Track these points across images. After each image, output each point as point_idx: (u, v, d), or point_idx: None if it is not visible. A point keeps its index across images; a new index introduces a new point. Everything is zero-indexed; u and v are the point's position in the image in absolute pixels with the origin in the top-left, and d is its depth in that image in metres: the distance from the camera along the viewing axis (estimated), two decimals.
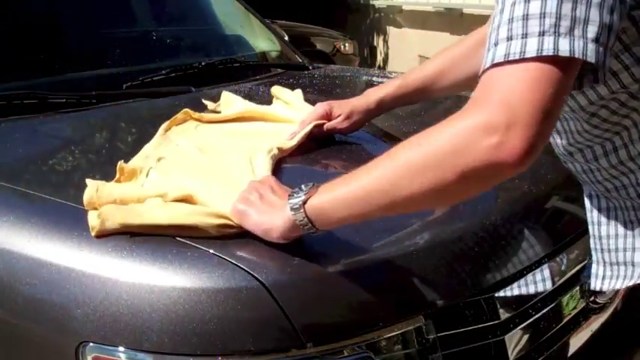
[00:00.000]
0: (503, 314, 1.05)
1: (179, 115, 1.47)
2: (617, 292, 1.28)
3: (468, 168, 0.75)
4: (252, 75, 2.06)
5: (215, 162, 1.24)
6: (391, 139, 1.42)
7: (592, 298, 1.21)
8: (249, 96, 1.86)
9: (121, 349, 0.89)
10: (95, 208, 1.00)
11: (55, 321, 0.93)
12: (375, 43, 8.81)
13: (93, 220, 0.97)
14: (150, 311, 0.88)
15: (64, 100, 1.58)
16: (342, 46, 6.46)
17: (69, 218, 1.04)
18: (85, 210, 1.02)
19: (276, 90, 1.69)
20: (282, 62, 2.32)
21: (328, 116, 1.38)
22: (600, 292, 1.22)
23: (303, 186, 0.91)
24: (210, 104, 1.64)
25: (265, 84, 2.00)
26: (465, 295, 1.01)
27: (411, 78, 1.35)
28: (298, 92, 1.65)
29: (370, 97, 1.38)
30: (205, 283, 0.88)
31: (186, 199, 1.02)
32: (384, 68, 8.40)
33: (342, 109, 1.37)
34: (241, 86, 1.92)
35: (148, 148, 1.29)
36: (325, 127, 1.37)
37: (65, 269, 0.94)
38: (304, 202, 0.88)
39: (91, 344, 0.90)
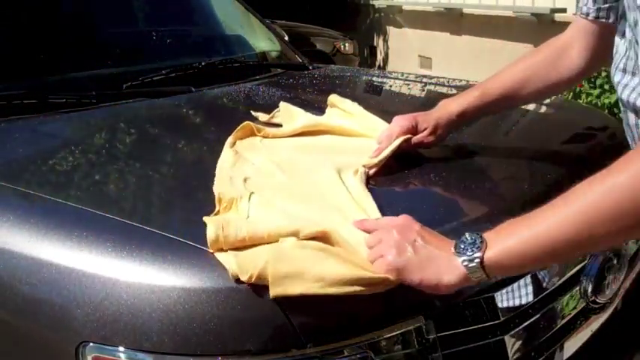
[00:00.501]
0: (503, 314, 1.05)
1: (240, 130, 1.40)
2: (617, 291, 1.28)
3: None
4: (252, 75, 2.06)
5: (305, 183, 1.18)
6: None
7: (592, 298, 1.21)
8: (249, 96, 1.86)
9: (121, 349, 0.89)
10: (221, 249, 0.92)
11: (55, 321, 0.93)
12: (375, 43, 8.81)
13: (233, 266, 0.89)
14: (150, 311, 0.88)
15: (64, 100, 1.58)
16: (342, 46, 6.46)
17: (69, 218, 1.04)
18: (87, 210, 1.02)
19: (335, 99, 1.60)
20: (282, 62, 2.32)
21: (414, 130, 1.33)
22: (600, 292, 1.22)
23: (468, 235, 0.87)
24: (262, 116, 1.57)
25: (265, 84, 2.00)
26: (464, 295, 1.01)
27: (492, 87, 1.34)
28: (355, 104, 1.55)
29: (451, 108, 1.35)
30: (205, 283, 0.88)
31: (320, 237, 0.93)
32: (384, 68, 8.40)
33: (428, 122, 1.33)
34: (241, 86, 1.92)
35: (225, 169, 1.21)
36: (412, 140, 1.32)
37: (65, 269, 0.94)
38: (481, 261, 0.85)
39: (91, 344, 0.90)
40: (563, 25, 1.34)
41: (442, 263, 0.88)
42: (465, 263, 0.86)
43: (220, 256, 0.91)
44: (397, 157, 1.30)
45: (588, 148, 1.52)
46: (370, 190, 1.15)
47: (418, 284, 0.89)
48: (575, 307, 1.20)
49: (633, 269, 1.42)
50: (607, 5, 1.18)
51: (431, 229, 0.95)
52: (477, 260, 0.85)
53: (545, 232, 0.81)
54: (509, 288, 1.07)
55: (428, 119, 1.34)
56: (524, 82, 1.32)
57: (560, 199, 0.81)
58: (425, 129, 1.33)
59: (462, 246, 0.88)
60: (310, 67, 2.25)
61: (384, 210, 1.06)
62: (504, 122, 1.75)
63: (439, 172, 1.31)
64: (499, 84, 1.33)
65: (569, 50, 1.28)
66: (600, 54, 1.24)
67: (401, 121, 1.33)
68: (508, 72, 1.34)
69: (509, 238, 0.85)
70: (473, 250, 0.86)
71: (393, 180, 1.26)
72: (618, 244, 1.05)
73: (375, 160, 1.26)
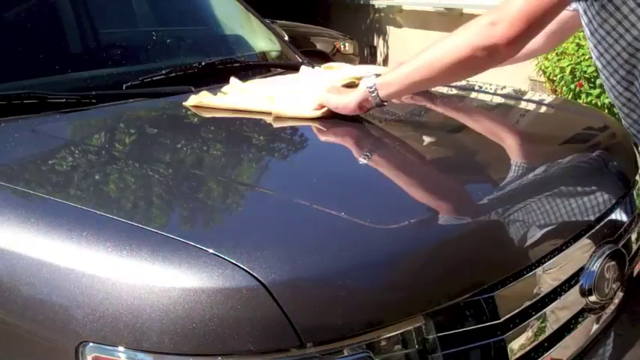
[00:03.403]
0: (503, 314, 1.05)
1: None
2: (616, 291, 1.28)
3: (477, 46, 1.25)
4: (252, 75, 2.05)
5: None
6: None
7: (592, 298, 1.22)
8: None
9: (121, 349, 0.89)
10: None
11: (55, 321, 0.93)
12: (375, 43, 8.81)
13: (192, 99, 1.56)
14: (150, 311, 0.88)
15: (64, 100, 1.58)
16: (342, 46, 6.46)
17: (69, 218, 1.04)
18: (87, 210, 1.03)
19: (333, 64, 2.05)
20: (282, 62, 2.32)
21: None
22: (600, 292, 1.22)
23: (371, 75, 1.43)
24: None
25: (265, 84, 2.00)
26: (464, 295, 1.01)
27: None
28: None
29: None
30: (205, 283, 0.88)
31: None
32: None
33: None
34: None
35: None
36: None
37: (65, 269, 0.94)
38: (375, 84, 1.39)
39: (91, 344, 0.90)
40: None
41: (353, 92, 1.45)
42: (366, 85, 1.41)
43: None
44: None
45: (588, 148, 1.51)
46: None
47: (336, 104, 1.47)
48: (574, 307, 1.20)
49: (633, 269, 1.42)
50: None
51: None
52: (373, 82, 1.40)
53: (415, 64, 1.35)
54: (509, 288, 1.07)
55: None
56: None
57: (427, 46, 1.35)
58: None
59: (364, 79, 1.42)
60: (310, 67, 2.24)
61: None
62: (504, 122, 1.75)
63: (436, 170, 1.33)
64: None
65: None
66: (558, 35, 1.67)
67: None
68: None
69: (394, 70, 1.41)
70: (370, 79, 1.41)
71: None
72: (460, 78, 1.57)
73: (349, 76, 1.69)
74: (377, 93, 1.39)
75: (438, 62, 1.31)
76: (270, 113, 1.55)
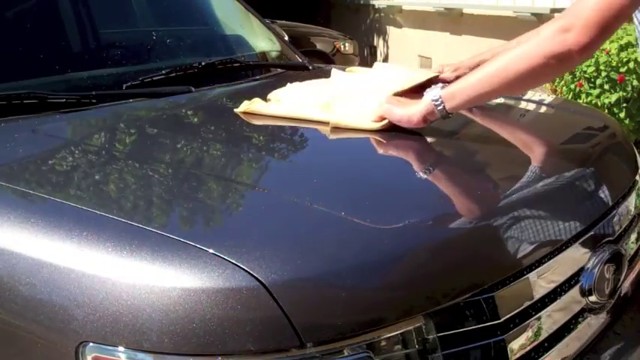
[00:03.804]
0: (503, 314, 1.05)
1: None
2: (616, 291, 1.28)
3: (549, 54, 1.22)
4: (252, 75, 2.06)
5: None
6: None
7: (592, 298, 1.22)
8: (249, 96, 1.86)
9: (121, 349, 0.89)
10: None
11: (55, 321, 0.93)
12: (375, 43, 8.81)
13: (243, 106, 1.55)
14: (150, 311, 0.88)
15: (64, 100, 1.58)
16: (342, 46, 6.47)
17: (69, 218, 1.04)
18: (87, 210, 1.03)
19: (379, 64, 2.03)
20: (282, 62, 2.32)
21: (441, 72, 1.72)
22: (600, 292, 1.22)
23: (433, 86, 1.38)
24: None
25: (265, 84, 2.00)
26: (464, 295, 1.01)
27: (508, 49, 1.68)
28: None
29: (473, 59, 1.73)
30: (205, 283, 0.88)
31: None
32: None
33: (452, 66, 1.73)
34: (241, 86, 1.92)
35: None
36: (439, 77, 1.69)
37: (65, 269, 0.94)
38: (440, 96, 1.34)
39: (91, 344, 0.90)
40: None
41: (416, 104, 1.38)
42: (431, 97, 1.35)
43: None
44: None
45: (588, 148, 1.51)
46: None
47: (399, 117, 1.41)
48: (575, 307, 1.20)
49: (633, 269, 1.42)
50: None
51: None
52: (438, 94, 1.34)
53: (483, 73, 1.31)
54: (510, 288, 1.07)
55: (453, 64, 1.74)
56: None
57: (493, 54, 1.41)
58: (448, 70, 1.73)
59: (428, 91, 1.37)
60: (310, 67, 2.25)
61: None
62: (504, 122, 1.75)
63: (435, 170, 1.34)
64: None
65: None
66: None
67: (435, 68, 1.79)
68: (525, 37, 1.62)
69: (460, 81, 1.36)
70: (435, 90, 1.35)
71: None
72: (530, 87, 1.50)
73: (403, 85, 1.58)
74: (443, 105, 1.33)
75: (508, 72, 1.26)
76: (325, 122, 1.49)
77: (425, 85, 1.52)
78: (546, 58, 1.22)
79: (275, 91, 1.68)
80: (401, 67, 2.04)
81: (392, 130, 1.43)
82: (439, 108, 1.34)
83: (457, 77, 1.63)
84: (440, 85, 1.38)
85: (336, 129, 1.47)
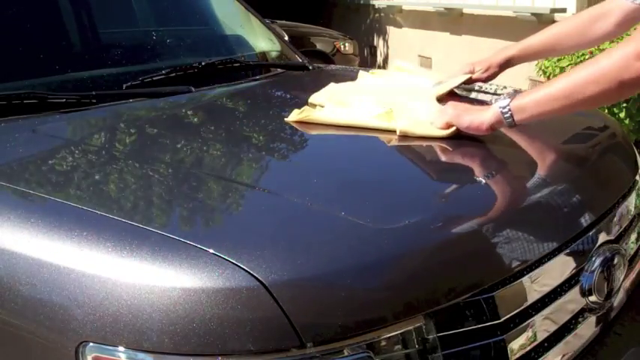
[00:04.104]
0: (503, 314, 1.05)
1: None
2: (616, 291, 1.28)
3: (624, 80, 1.21)
4: (252, 75, 2.05)
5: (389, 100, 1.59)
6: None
7: (592, 298, 1.22)
8: (249, 96, 1.86)
9: (121, 349, 0.89)
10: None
11: (55, 321, 0.93)
12: (375, 43, 8.81)
13: (294, 115, 1.51)
14: (150, 311, 0.88)
15: (64, 100, 1.58)
16: (342, 46, 6.47)
17: (69, 218, 1.04)
18: (87, 210, 1.03)
19: (399, 64, 2.04)
20: (282, 62, 2.32)
21: (473, 72, 1.74)
22: (600, 292, 1.22)
23: (501, 95, 1.40)
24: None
25: (265, 84, 2.00)
26: (464, 295, 1.01)
27: (532, 43, 1.72)
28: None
29: (500, 55, 1.74)
30: (205, 283, 0.88)
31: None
32: (384, 68, 8.40)
33: (482, 65, 1.74)
34: (241, 86, 1.92)
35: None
36: (472, 77, 1.73)
37: (65, 269, 0.94)
38: (509, 107, 1.34)
39: (91, 344, 0.90)
40: None
41: (485, 110, 1.40)
42: (500, 107, 1.35)
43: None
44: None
45: (588, 148, 1.51)
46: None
47: (468, 124, 1.41)
48: (575, 307, 1.20)
49: (633, 269, 1.42)
50: None
51: None
52: (507, 104, 1.34)
53: (554, 89, 1.30)
54: (510, 288, 1.07)
55: (483, 63, 1.74)
56: (558, 42, 1.69)
57: (566, 74, 1.31)
58: (480, 70, 1.74)
59: (497, 100, 1.37)
60: (310, 67, 2.25)
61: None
62: None
63: (435, 170, 1.34)
64: (539, 41, 1.71)
65: (605, 19, 1.59)
66: (625, 29, 1.61)
67: (463, 67, 1.77)
68: (549, 31, 1.70)
69: (531, 93, 1.35)
70: (505, 100, 1.35)
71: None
72: (597, 106, 1.52)
73: (444, 89, 1.63)
74: (511, 117, 1.35)
75: (579, 94, 1.26)
76: (389, 130, 1.49)
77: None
78: (621, 84, 1.22)
79: (314, 96, 1.68)
80: (419, 69, 2.12)
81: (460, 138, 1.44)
82: (507, 119, 1.35)
83: (488, 77, 1.75)
84: (508, 92, 1.47)
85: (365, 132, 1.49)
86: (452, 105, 1.48)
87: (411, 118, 1.49)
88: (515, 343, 1.06)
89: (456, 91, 1.73)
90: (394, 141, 1.45)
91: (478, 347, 1.02)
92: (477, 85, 1.97)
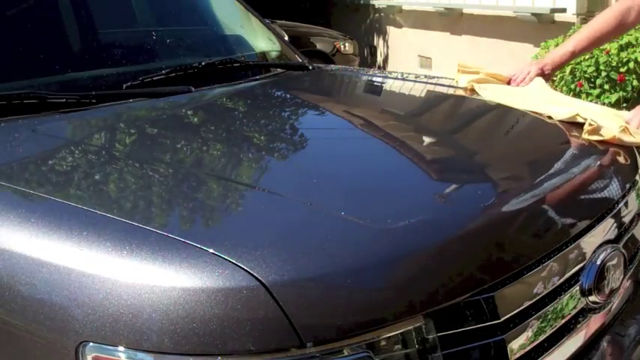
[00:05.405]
0: (503, 314, 1.05)
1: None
2: (616, 291, 1.28)
3: None
4: (252, 75, 2.05)
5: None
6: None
7: (592, 298, 1.21)
8: (249, 96, 1.86)
9: (121, 349, 0.89)
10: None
11: (55, 321, 0.93)
12: (375, 43, 8.80)
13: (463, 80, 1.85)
14: (150, 311, 0.88)
15: (64, 100, 1.58)
16: (342, 46, 6.47)
17: (69, 218, 1.04)
18: (87, 210, 1.03)
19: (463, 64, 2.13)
20: (282, 62, 2.32)
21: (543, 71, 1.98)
22: (600, 292, 1.22)
23: None
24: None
25: (265, 84, 2.00)
26: (464, 295, 1.01)
27: (582, 41, 1.98)
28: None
29: (557, 54, 2.02)
30: (205, 283, 0.88)
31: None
32: (384, 68, 8.40)
33: (547, 64, 1.99)
34: (241, 86, 1.92)
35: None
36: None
37: (65, 269, 0.94)
38: None
39: (91, 344, 0.90)
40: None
41: None
42: None
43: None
44: None
45: (588, 148, 1.51)
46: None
47: None
48: (574, 307, 1.20)
49: (633, 269, 1.42)
50: None
51: None
52: None
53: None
54: (510, 288, 1.07)
55: (546, 60, 2.00)
56: (602, 34, 1.97)
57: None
58: (547, 70, 1.99)
59: None
60: (310, 67, 2.25)
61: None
62: (504, 122, 1.75)
63: (435, 170, 1.32)
64: (586, 40, 1.97)
65: (631, 11, 1.92)
66: None
67: (531, 68, 1.99)
68: (592, 29, 1.97)
69: None
70: None
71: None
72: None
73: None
74: None
75: None
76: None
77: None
78: None
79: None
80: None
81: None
82: None
83: (547, 75, 1.97)
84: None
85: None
86: None
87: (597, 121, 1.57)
88: (515, 343, 1.06)
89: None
90: (394, 142, 1.46)
91: (478, 347, 1.02)
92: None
